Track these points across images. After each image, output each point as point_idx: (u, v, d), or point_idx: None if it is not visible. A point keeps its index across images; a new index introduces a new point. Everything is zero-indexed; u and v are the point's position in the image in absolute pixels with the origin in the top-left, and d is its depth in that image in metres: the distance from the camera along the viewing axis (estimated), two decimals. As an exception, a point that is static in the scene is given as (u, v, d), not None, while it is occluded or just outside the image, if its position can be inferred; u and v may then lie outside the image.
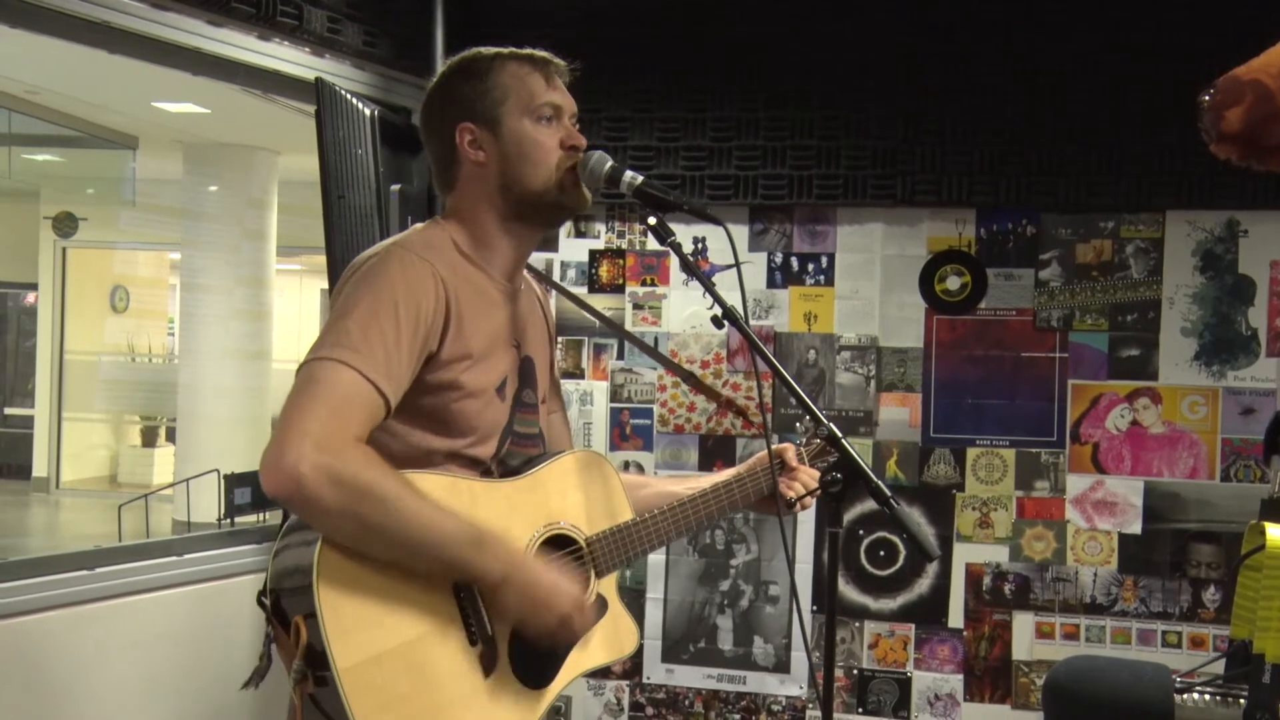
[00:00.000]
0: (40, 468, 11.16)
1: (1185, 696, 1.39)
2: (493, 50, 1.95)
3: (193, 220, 8.51)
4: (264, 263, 8.43)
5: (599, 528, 1.98)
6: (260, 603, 1.76)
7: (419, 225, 1.98)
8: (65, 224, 11.06)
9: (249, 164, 8.31)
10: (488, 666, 1.79)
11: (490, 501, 1.85)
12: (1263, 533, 1.38)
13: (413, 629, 1.73)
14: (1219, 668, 1.45)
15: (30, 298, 11.94)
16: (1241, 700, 1.38)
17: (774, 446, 2.17)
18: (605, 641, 1.98)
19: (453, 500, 1.78)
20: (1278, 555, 1.34)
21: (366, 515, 1.65)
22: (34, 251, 11.13)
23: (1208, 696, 1.40)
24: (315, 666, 1.66)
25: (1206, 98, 1.87)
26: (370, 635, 1.68)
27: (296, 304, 12.26)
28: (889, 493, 1.70)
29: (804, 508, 2.16)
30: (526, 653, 1.84)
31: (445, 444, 1.85)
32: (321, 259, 3.33)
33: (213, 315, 8.18)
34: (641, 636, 3.57)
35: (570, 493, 1.98)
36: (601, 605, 1.96)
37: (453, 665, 1.76)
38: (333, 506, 1.63)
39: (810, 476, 2.16)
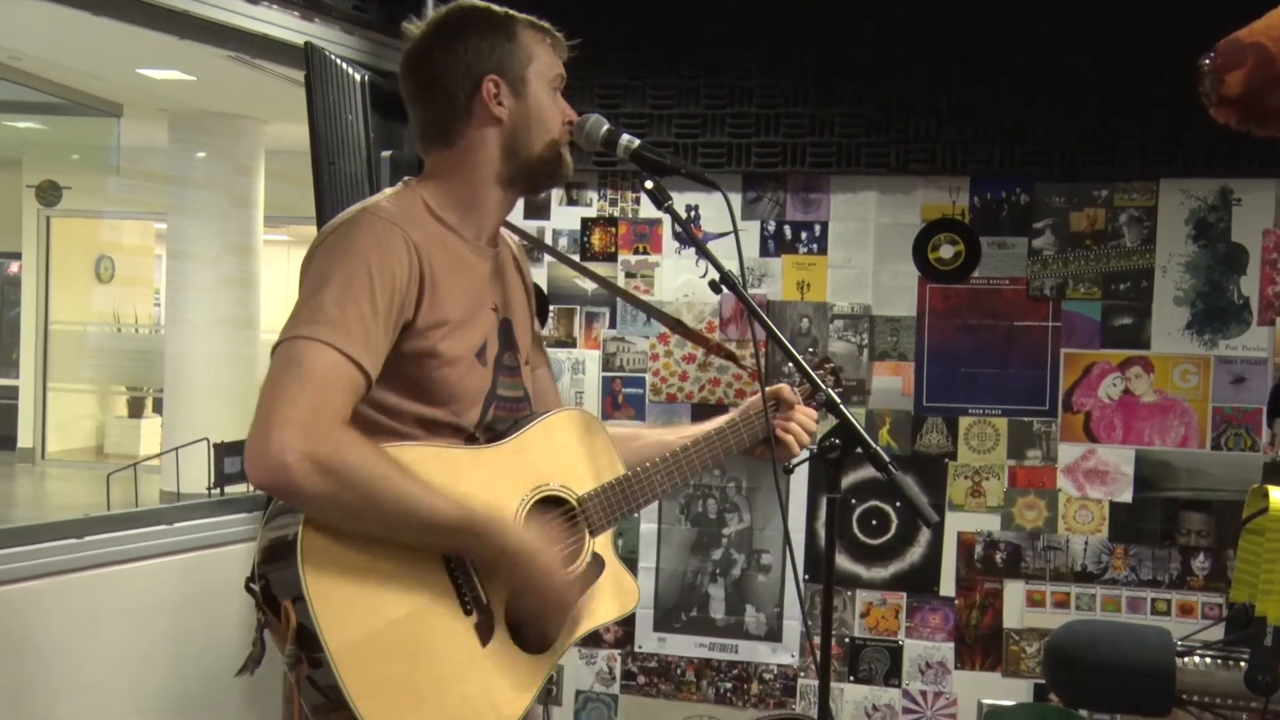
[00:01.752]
0: (25, 439, 11.12)
1: (1186, 660, 1.39)
2: (502, 9, 1.92)
3: (179, 188, 8.44)
4: (251, 231, 8.37)
5: (590, 486, 1.96)
6: (249, 589, 1.74)
7: (388, 189, 1.94)
8: (49, 192, 10.97)
9: (235, 132, 8.24)
10: (484, 635, 1.79)
11: (476, 470, 1.83)
12: (1265, 496, 1.38)
13: (404, 604, 1.72)
14: (1219, 634, 1.45)
15: (14, 267, 11.86)
16: (1242, 663, 1.38)
17: (769, 387, 2.16)
18: (607, 599, 1.97)
19: (438, 472, 1.76)
20: (1278, 519, 1.34)
21: (355, 501, 1.64)
22: (17, 220, 11.05)
23: (1209, 660, 1.40)
24: (308, 649, 1.65)
25: (1207, 61, 1.86)
26: (360, 614, 1.67)
27: (284, 274, 12.18)
28: (887, 459, 1.69)
29: (803, 446, 2.13)
30: (524, 618, 1.84)
31: (428, 412, 1.83)
32: (309, 230, 3.29)
33: (200, 284, 8.13)
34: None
35: (559, 452, 1.96)
36: (598, 564, 1.95)
37: (448, 637, 1.75)
38: (322, 494, 1.62)
39: (807, 415, 2.14)
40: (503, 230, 2.07)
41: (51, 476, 10.94)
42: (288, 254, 12.44)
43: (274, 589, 1.69)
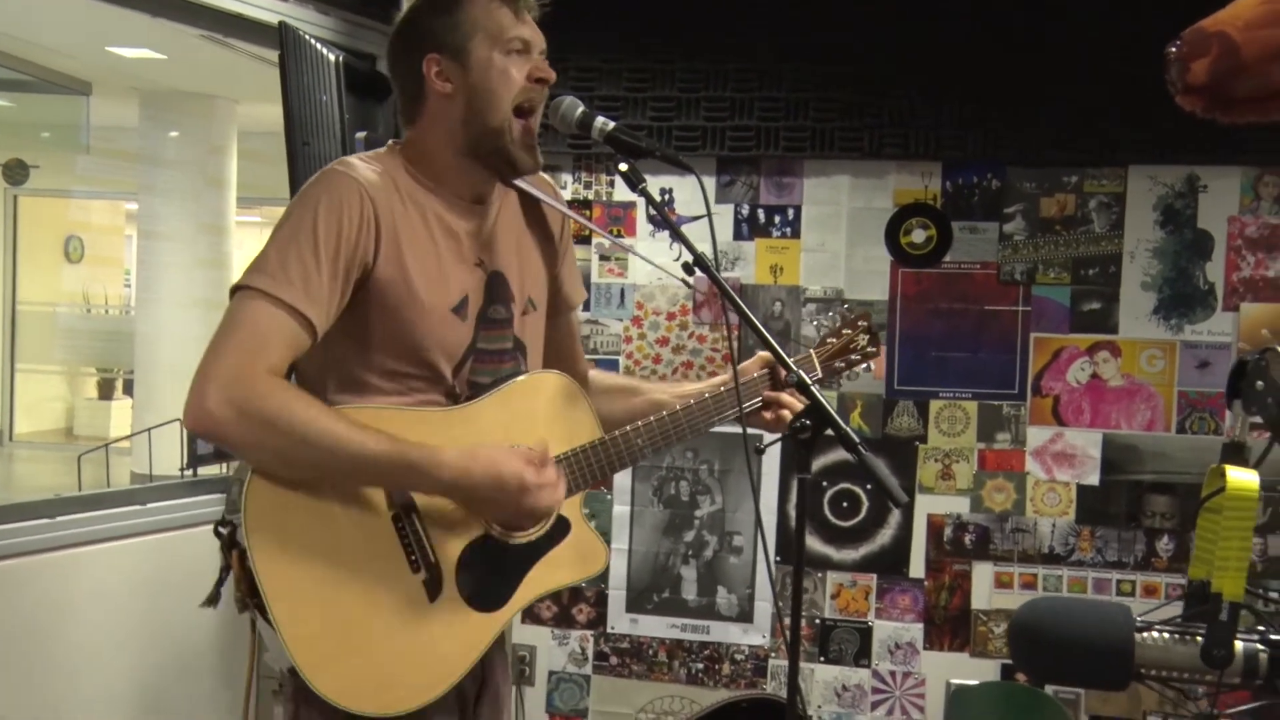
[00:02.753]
0: (-8, 421, 11.02)
1: (1145, 635, 1.43)
2: None
3: (150, 167, 8.35)
4: (223, 211, 8.30)
5: (562, 448, 1.97)
6: (217, 532, 1.81)
7: (370, 151, 1.98)
8: (16, 171, 10.85)
9: (208, 112, 8.16)
10: (432, 592, 1.81)
11: (434, 430, 1.84)
12: (1223, 475, 1.41)
13: (348, 559, 1.76)
14: (1178, 610, 1.49)
15: (-19, 247, 11.73)
16: (1199, 638, 1.41)
17: (764, 355, 2.17)
18: (571, 561, 1.99)
19: (388, 430, 1.78)
20: (1237, 497, 1.37)
21: (281, 446, 1.70)
22: (-16, 199, 10.94)
23: (1167, 635, 1.44)
24: (255, 596, 1.72)
25: (1173, 50, 1.88)
26: (301, 568, 1.73)
27: (256, 254, 12.11)
28: (857, 440, 1.72)
29: (778, 423, 2.14)
30: (476, 576, 1.86)
31: (399, 365, 1.86)
32: (281, 211, 3.29)
33: (171, 264, 8.06)
34: (606, 585, 3.61)
35: (529, 415, 1.97)
36: (564, 526, 1.97)
37: (393, 593, 1.79)
38: (245, 439, 1.69)
39: (790, 403, 2.14)
40: (529, 185, 2.06)
41: (20, 458, 10.85)
42: (260, 235, 12.37)
43: (235, 536, 1.76)
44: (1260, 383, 1.45)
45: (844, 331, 2.29)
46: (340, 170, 1.84)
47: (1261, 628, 1.42)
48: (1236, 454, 1.43)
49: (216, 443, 1.75)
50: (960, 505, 3.50)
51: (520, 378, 1.99)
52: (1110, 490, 3.42)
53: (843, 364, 2.28)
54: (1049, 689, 3.19)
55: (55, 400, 11.56)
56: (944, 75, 3.41)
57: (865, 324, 2.32)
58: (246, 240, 10.35)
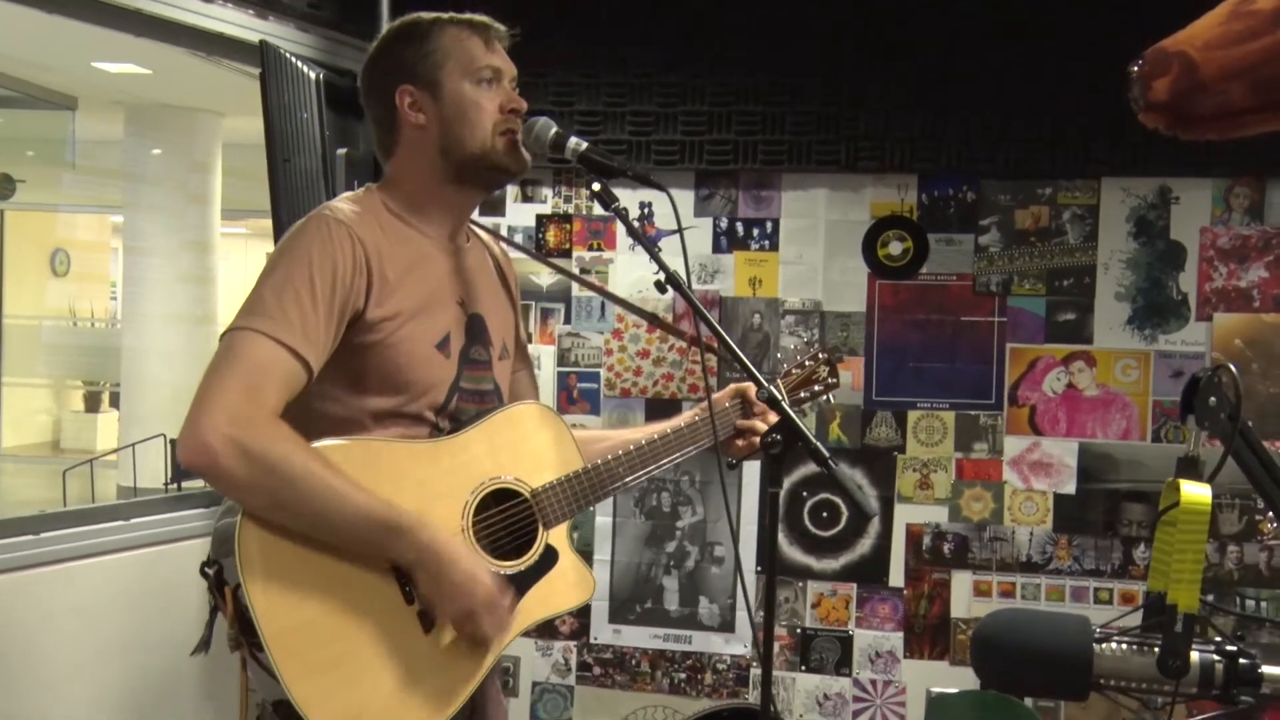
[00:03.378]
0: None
1: (1104, 646, 1.46)
2: (432, 15, 1.99)
3: (135, 183, 8.38)
4: (208, 226, 8.33)
5: (546, 478, 2.00)
6: (204, 573, 1.80)
7: (348, 193, 2.01)
8: (2, 186, 10.84)
9: (192, 126, 8.20)
10: (426, 624, 1.83)
11: (422, 463, 1.87)
12: (1178, 489, 1.44)
13: (343, 593, 1.76)
14: (1137, 621, 1.52)
15: (-33, 261, 11.72)
16: (1156, 648, 1.45)
17: (737, 385, 2.21)
18: (560, 589, 2.01)
19: (378, 465, 1.81)
20: (1190, 510, 1.41)
21: (276, 490, 1.70)
22: (-30, 214, 10.94)
23: (1125, 646, 1.47)
24: (248, 633, 1.71)
25: (1135, 68, 1.92)
26: (298, 602, 1.73)
27: (242, 268, 12.13)
28: (827, 453, 1.74)
29: (750, 449, 2.17)
30: None
31: (385, 403, 1.88)
32: (267, 223, 3.32)
33: (156, 279, 8.09)
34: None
35: (515, 445, 2.00)
36: (552, 556, 1.99)
37: (388, 625, 1.80)
38: (242, 479, 1.68)
39: (766, 418, 2.17)
40: (484, 234, 2.13)
41: (6, 472, 10.85)
42: (245, 246, 12.39)
43: (224, 574, 1.74)
44: (1213, 398, 1.48)
45: (806, 363, 2.33)
46: (329, 216, 1.86)
47: (1218, 639, 1.46)
48: (1191, 468, 1.46)
49: (210, 479, 1.71)
50: (939, 514, 3.54)
51: (503, 409, 2.02)
52: (1087, 499, 3.46)
53: (806, 394, 2.33)
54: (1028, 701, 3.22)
55: (42, 414, 11.56)
56: (918, 89, 3.45)
57: (825, 356, 2.37)
58: (232, 251, 10.38)
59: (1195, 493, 1.41)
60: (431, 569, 1.78)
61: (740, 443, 2.18)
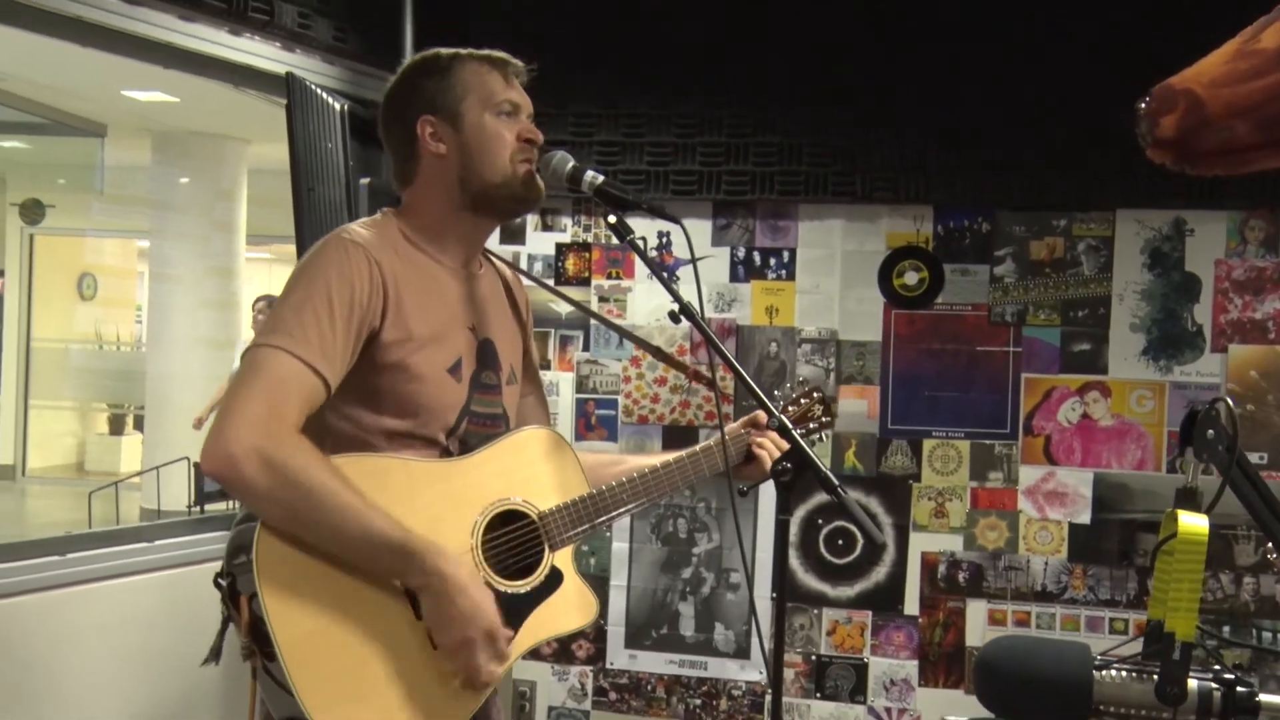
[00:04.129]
0: (6, 455, 11.12)
1: (1104, 673, 1.48)
2: (451, 50, 2.05)
3: (162, 209, 8.51)
4: (233, 253, 8.45)
5: (554, 502, 2.04)
6: (217, 584, 1.85)
7: (366, 219, 2.06)
8: (32, 210, 11.01)
9: (219, 152, 8.31)
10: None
11: (433, 482, 1.91)
12: (1176, 520, 1.47)
13: (356, 605, 1.81)
14: (1137, 648, 1.54)
15: (-3, 284, 11.88)
16: (1154, 675, 1.47)
17: (749, 416, 2.24)
18: (564, 611, 2.04)
19: (390, 482, 1.85)
20: (1187, 541, 1.43)
21: (293, 501, 1.74)
22: (0, 238, 11.08)
23: (1124, 673, 1.49)
24: (261, 643, 1.76)
25: (1143, 105, 1.96)
26: (312, 612, 1.77)
27: (265, 292, 12.24)
28: (836, 481, 1.77)
29: (760, 476, 2.20)
30: None
31: (398, 424, 1.93)
32: (290, 248, 3.38)
33: (181, 305, 8.19)
34: (605, 621, 3.67)
35: (524, 468, 2.04)
36: (557, 577, 2.03)
37: (398, 638, 1.83)
38: (262, 489, 1.73)
39: (777, 441, 2.19)
40: (498, 262, 2.19)
41: (32, 494, 10.95)
42: (269, 271, 12.50)
43: (237, 584, 1.79)
44: (1210, 431, 1.51)
45: (801, 400, 2.36)
46: (348, 238, 1.92)
47: (1217, 667, 1.48)
48: (1189, 499, 1.49)
49: (231, 487, 1.76)
50: (954, 543, 3.56)
51: (512, 433, 2.06)
52: (1102, 529, 3.47)
53: (801, 431, 2.34)
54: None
55: (67, 436, 11.67)
56: (934, 121, 3.49)
57: (820, 394, 2.39)
58: (256, 276, 10.48)
59: (1192, 523, 1.44)
60: (437, 594, 1.81)
61: (750, 469, 2.21)
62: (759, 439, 2.22)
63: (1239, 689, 1.42)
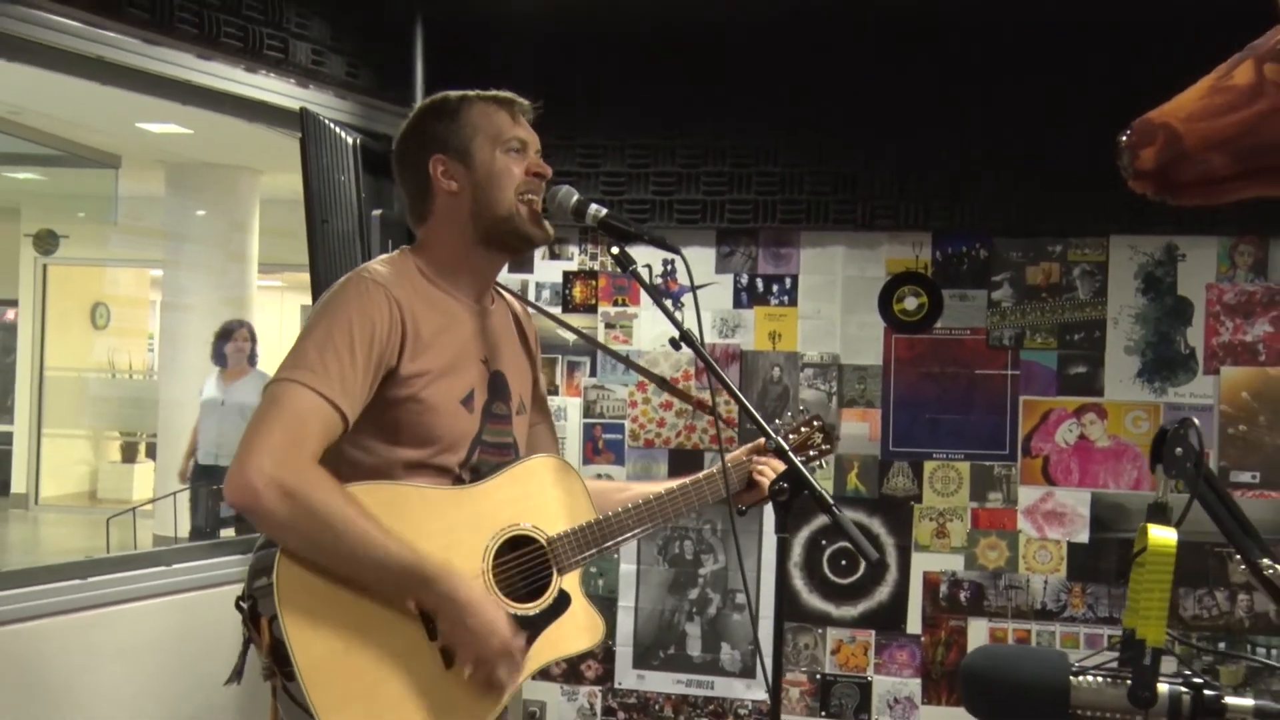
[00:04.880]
0: (19, 484, 11.21)
1: (1081, 679, 1.55)
2: (460, 92, 2.13)
3: (175, 240, 8.62)
4: (245, 282, 8.56)
5: (561, 527, 2.11)
6: (239, 607, 1.92)
7: (384, 255, 2.15)
8: (46, 241, 11.13)
9: (232, 183, 8.43)
10: (448, 659, 1.94)
11: (447, 509, 1.99)
12: (1147, 533, 1.54)
13: (372, 627, 1.88)
14: (1112, 656, 1.62)
15: (10, 314, 12.00)
16: (1128, 681, 1.54)
17: (752, 444, 2.32)
18: (572, 633, 2.12)
19: (406, 509, 1.92)
20: (1156, 553, 1.51)
21: (313, 531, 1.82)
22: (14, 268, 11.21)
23: (1100, 679, 1.57)
24: (281, 664, 1.82)
25: (1123, 139, 2.05)
26: (330, 633, 1.84)
27: (277, 320, 12.35)
28: (830, 500, 1.84)
29: (759, 498, 2.27)
30: None
31: (413, 454, 2.00)
32: (302, 276, 3.46)
33: (194, 334, 8.28)
34: (613, 642, 3.73)
35: (533, 495, 2.12)
36: (565, 600, 2.10)
37: (413, 659, 1.91)
38: (283, 519, 1.80)
39: (776, 465, 2.26)
40: (507, 295, 2.27)
41: (45, 522, 11.02)
42: (281, 299, 12.62)
43: (259, 607, 1.86)
44: (1179, 449, 1.59)
45: (801, 429, 2.43)
46: (369, 278, 2.00)
47: (1187, 672, 1.55)
48: (1160, 514, 1.56)
49: (253, 517, 1.83)
50: (955, 563, 3.62)
51: (522, 461, 2.15)
52: (1100, 548, 3.53)
53: (802, 459, 2.40)
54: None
55: (80, 464, 11.75)
56: (933, 150, 3.58)
57: (820, 423, 2.46)
58: (268, 304, 10.59)
59: (1161, 536, 1.51)
60: (453, 616, 1.90)
61: (751, 495, 2.28)
62: (759, 465, 2.29)
63: (1206, 692, 1.49)
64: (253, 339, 7.11)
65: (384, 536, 1.86)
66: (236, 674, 2.01)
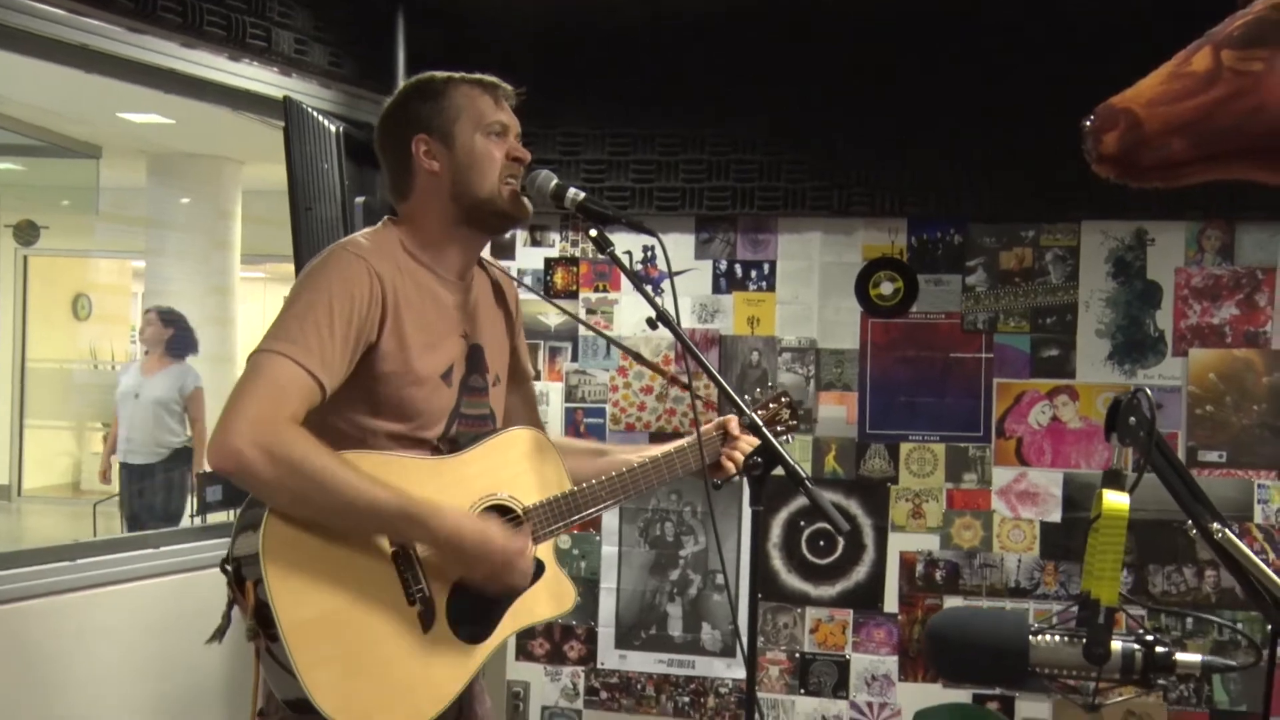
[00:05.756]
0: (1, 476, 11.19)
1: (1038, 638, 1.62)
2: (445, 74, 2.18)
3: (157, 230, 8.62)
4: (228, 271, 8.56)
5: (537, 497, 2.17)
6: (223, 569, 1.97)
7: (368, 228, 2.19)
8: (26, 232, 11.10)
9: (214, 173, 8.44)
10: (425, 623, 2.00)
11: (432, 477, 2.04)
12: (1102, 500, 1.61)
13: (353, 591, 1.94)
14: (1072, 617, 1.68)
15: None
16: (1084, 640, 1.61)
17: (721, 419, 2.37)
18: (544, 600, 2.18)
19: (397, 478, 1.97)
20: (1109, 516, 1.57)
21: (299, 486, 1.87)
22: (-10, 259, 11.18)
23: (1057, 638, 1.63)
24: (265, 625, 1.87)
25: (1087, 124, 2.11)
26: (312, 597, 1.90)
27: (261, 310, 12.34)
28: (803, 474, 1.90)
29: (732, 473, 2.33)
30: (464, 611, 2.05)
31: (393, 427, 2.05)
32: (285, 267, 3.50)
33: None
34: (596, 622, 3.79)
35: (510, 466, 2.17)
36: (539, 568, 2.15)
37: (391, 624, 1.96)
38: (269, 479, 1.85)
39: (749, 443, 2.32)
40: (491, 263, 2.32)
41: (30, 512, 11.01)
42: (264, 290, 12.61)
43: (243, 570, 1.91)
44: (1132, 418, 1.65)
45: (770, 405, 2.48)
46: (351, 251, 2.04)
47: (1140, 630, 1.61)
48: (1114, 480, 1.63)
49: (238, 479, 1.88)
50: (930, 543, 3.69)
51: (500, 433, 2.20)
52: (1072, 526, 3.60)
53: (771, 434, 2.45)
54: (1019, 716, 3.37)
55: (63, 455, 11.74)
56: (907, 138, 3.64)
57: (788, 399, 2.51)
58: (250, 295, 10.59)
59: (1114, 500, 1.58)
60: (450, 551, 1.98)
61: (722, 468, 2.33)
62: (728, 451, 2.34)
63: (1158, 649, 1.56)
64: (177, 327, 6.76)
65: (370, 484, 1.91)
66: (219, 633, 2.05)
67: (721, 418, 2.38)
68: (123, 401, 6.62)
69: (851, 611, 3.73)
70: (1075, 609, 1.66)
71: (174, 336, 6.69)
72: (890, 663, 3.70)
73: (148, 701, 3.23)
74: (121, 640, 3.16)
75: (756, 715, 1.97)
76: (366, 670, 1.93)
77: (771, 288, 3.81)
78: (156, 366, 6.64)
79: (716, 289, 3.83)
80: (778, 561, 3.76)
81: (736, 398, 2.03)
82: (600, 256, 3.87)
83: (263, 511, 1.90)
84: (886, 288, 3.74)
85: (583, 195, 2.11)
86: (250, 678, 2.02)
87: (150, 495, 6.58)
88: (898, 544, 3.71)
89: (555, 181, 2.13)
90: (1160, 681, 1.52)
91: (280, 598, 1.86)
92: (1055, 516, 3.61)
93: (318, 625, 1.89)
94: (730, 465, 2.33)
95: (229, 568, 1.95)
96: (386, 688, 1.95)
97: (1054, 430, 3.63)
